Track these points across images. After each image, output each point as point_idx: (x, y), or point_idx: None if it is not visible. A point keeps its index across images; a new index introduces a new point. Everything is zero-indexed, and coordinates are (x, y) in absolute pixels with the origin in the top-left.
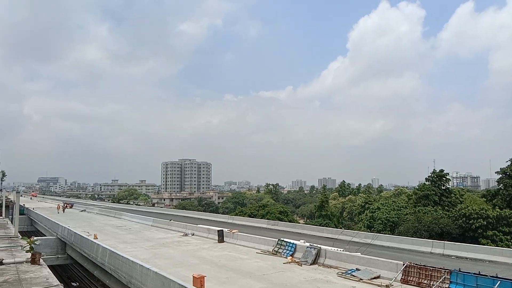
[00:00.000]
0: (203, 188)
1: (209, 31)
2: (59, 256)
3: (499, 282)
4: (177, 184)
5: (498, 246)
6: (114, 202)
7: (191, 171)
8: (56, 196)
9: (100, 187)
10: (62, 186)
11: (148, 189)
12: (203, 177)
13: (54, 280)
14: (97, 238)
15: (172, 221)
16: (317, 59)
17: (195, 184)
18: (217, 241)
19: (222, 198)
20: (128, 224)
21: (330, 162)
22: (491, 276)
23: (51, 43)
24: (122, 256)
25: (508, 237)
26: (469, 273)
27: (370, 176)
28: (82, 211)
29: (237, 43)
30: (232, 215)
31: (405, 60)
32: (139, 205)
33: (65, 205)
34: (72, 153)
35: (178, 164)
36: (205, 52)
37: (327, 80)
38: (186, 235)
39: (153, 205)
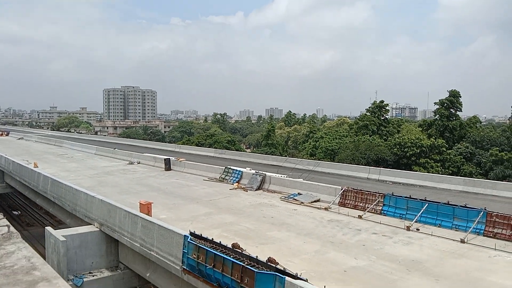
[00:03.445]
0: (148, 117)
1: None
2: None
3: (427, 204)
4: (121, 112)
5: (429, 173)
6: (53, 130)
7: (135, 99)
8: None
9: (38, 114)
10: None
11: (90, 117)
12: (148, 106)
13: None
14: (37, 167)
15: (116, 149)
16: None
17: (139, 113)
18: (164, 169)
19: (169, 127)
20: (70, 153)
21: (278, 92)
22: (420, 199)
23: None
24: (65, 184)
25: (438, 164)
26: (401, 196)
27: (315, 106)
28: (19, 139)
29: None
30: (179, 144)
31: None
32: (81, 133)
33: (0, 132)
34: (4, 77)
35: (120, 91)
36: None
37: (280, 7)
38: (131, 163)
39: (96, 133)
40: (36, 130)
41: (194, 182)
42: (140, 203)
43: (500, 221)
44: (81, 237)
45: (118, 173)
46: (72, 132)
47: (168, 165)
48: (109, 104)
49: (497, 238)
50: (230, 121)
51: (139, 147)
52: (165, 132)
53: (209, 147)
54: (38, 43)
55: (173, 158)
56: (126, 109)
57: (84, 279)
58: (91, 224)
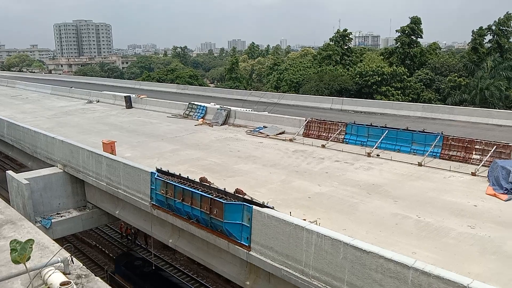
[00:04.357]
0: (104, 52)
1: None
2: None
3: (386, 131)
4: (75, 49)
5: (389, 101)
6: (3, 70)
7: (89, 34)
8: None
9: None
10: None
11: (42, 55)
12: (103, 41)
13: None
14: None
15: (73, 88)
16: None
17: (94, 49)
18: (125, 107)
19: (127, 62)
20: (24, 93)
21: (241, 23)
22: (380, 127)
23: None
24: (23, 127)
25: (399, 91)
26: (362, 125)
27: (279, 37)
28: None
29: None
30: (139, 80)
31: None
32: (34, 72)
33: None
34: None
35: (72, 25)
36: None
37: None
38: (90, 102)
39: (50, 72)
40: None
41: (158, 119)
42: (103, 143)
43: (455, 144)
44: (44, 179)
45: (77, 112)
46: (25, 72)
47: (129, 103)
48: (61, 40)
49: (452, 160)
50: (191, 54)
51: (97, 85)
52: (123, 68)
53: (170, 82)
54: None
55: (134, 95)
56: (80, 45)
57: (53, 220)
58: (54, 166)
